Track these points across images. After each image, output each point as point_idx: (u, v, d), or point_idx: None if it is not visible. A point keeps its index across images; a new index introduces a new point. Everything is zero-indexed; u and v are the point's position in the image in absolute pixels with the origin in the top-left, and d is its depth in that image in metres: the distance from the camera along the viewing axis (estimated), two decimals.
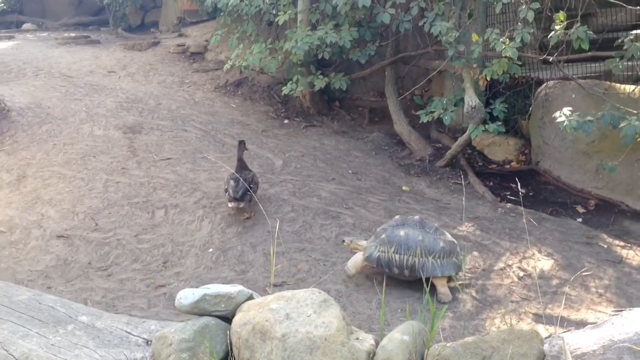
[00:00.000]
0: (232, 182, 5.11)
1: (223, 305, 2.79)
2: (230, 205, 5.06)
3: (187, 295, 2.77)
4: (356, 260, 4.37)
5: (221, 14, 8.38)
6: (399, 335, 2.57)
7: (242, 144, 5.48)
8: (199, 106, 7.75)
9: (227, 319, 2.81)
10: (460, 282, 4.36)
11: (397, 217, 4.55)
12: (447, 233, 4.42)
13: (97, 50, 10.02)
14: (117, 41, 11.09)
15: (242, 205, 5.04)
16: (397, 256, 4.20)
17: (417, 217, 4.42)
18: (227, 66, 7.72)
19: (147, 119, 6.97)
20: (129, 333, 2.93)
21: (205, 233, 4.96)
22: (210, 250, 4.76)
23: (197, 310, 2.77)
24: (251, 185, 5.09)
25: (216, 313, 2.80)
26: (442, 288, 4.20)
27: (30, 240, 4.83)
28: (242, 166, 5.38)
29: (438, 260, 4.17)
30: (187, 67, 9.27)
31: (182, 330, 2.69)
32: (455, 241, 4.35)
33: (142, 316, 3.74)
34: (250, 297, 2.88)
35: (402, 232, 4.24)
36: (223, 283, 3.56)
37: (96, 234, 4.91)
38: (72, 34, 11.67)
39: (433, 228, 4.30)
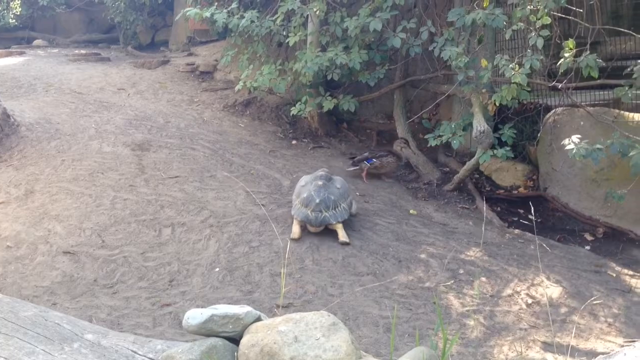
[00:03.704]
0: None
1: (231, 327, 2.76)
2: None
3: (195, 316, 2.75)
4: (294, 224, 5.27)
5: (231, 35, 8.46)
6: None
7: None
8: (207, 125, 7.78)
9: (235, 340, 2.79)
10: (468, 308, 4.33)
11: (306, 176, 5.61)
12: (340, 181, 5.45)
13: (107, 68, 10.10)
14: (127, 59, 11.18)
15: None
16: (310, 213, 5.16)
17: (321, 172, 5.53)
18: (238, 87, 7.76)
19: (156, 136, 6.99)
20: (135, 352, 2.90)
21: (212, 252, 4.94)
22: (217, 269, 4.74)
23: (205, 330, 2.74)
24: None
25: (224, 334, 2.77)
26: (340, 232, 5.16)
27: (37, 255, 4.82)
28: None
29: (336, 210, 5.17)
30: (196, 86, 9.33)
31: (189, 350, 2.66)
32: (346, 186, 5.44)
33: (147, 335, 3.71)
34: (258, 319, 2.85)
35: (309, 190, 5.29)
36: (229, 303, 3.54)
37: (102, 251, 4.90)
38: (83, 51, 11.78)
39: (332, 180, 5.40)
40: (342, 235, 5.17)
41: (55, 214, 5.32)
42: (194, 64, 10.07)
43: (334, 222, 5.16)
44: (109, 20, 13.00)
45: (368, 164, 6.78)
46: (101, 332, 3.11)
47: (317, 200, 5.17)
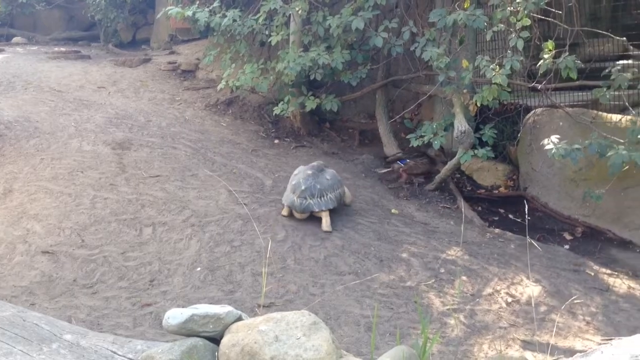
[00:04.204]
0: None
1: (211, 326, 2.75)
2: None
3: (175, 315, 2.73)
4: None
5: (214, 34, 8.42)
6: None
7: None
8: (189, 124, 7.74)
9: (216, 340, 2.78)
10: (449, 307, 4.36)
11: (302, 166, 5.83)
12: (331, 173, 5.65)
13: (88, 66, 10.00)
14: (107, 57, 11.08)
15: None
16: (296, 199, 5.41)
17: (315, 163, 5.78)
18: (220, 86, 7.73)
19: (137, 135, 6.94)
20: (115, 353, 2.88)
21: (194, 252, 4.92)
22: (198, 269, 4.72)
23: (185, 330, 2.73)
24: None
25: (204, 334, 2.76)
26: (324, 220, 5.37)
27: (15, 255, 4.76)
28: None
29: (321, 199, 5.37)
30: (178, 85, 9.28)
31: (169, 350, 2.65)
32: (337, 178, 5.62)
33: (127, 335, 3.69)
34: (239, 318, 2.84)
35: (298, 178, 5.54)
36: (211, 303, 3.53)
37: (82, 251, 4.85)
38: (63, 49, 11.64)
39: (323, 171, 5.61)
40: (325, 223, 5.37)
41: (34, 213, 5.26)
42: (175, 63, 10.01)
43: (317, 210, 5.38)
44: (89, 18, 12.86)
45: (402, 165, 6.79)
46: (80, 332, 3.08)
47: (303, 187, 5.41)
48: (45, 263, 4.68)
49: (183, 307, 2.85)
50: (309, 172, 5.59)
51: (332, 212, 5.68)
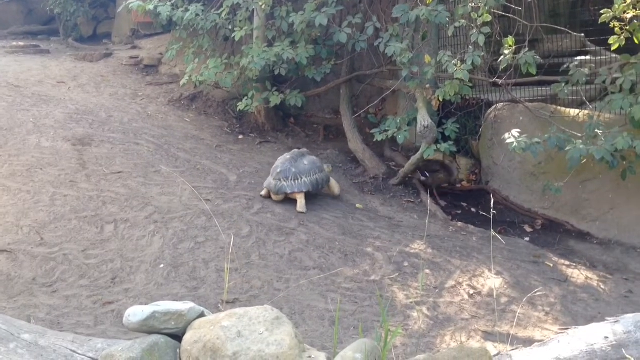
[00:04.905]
0: None
1: (173, 323, 2.73)
2: None
3: (135, 313, 2.70)
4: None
5: (176, 28, 8.32)
6: (351, 354, 2.57)
7: None
8: (152, 119, 7.64)
9: (178, 337, 2.76)
10: (412, 300, 4.40)
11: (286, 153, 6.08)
12: (311, 159, 5.92)
13: (47, 60, 9.77)
14: (67, 51, 10.84)
15: None
16: (272, 180, 5.76)
17: (297, 150, 6.09)
18: (183, 81, 7.64)
19: (98, 131, 6.82)
20: (74, 352, 2.84)
21: (157, 249, 4.86)
22: (162, 266, 4.66)
23: (147, 328, 2.70)
24: None
25: (166, 331, 2.73)
26: (299, 202, 5.68)
27: None
28: None
29: (295, 182, 5.68)
30: (140, 80, 9.14)
31: (129, 349, 2.62)
32: (316, 165, 5.88)
33: (89, 334, 3.63)
34: (202, 315, 2.83)
35: (278, 162, 5.88)
36: (174, 300, 3.50)
37: (41, 249, 4.75)
38: (21, 43, 11.34)
39: (303, 157, 5.92)
40: (300, 205, 5.69)
41: None
42: (138, 57, 9.85)
43: (289, 192, 5.69)
44: (48, 12, 12.55)
45: (423, 179, 6.83)
46: (39, 331, 3.02)
47: (279, 170, 5.77)
48: (3, 262, 4.57)
49: (146, 304, 2.82)
50: (288, 157, 5.95)
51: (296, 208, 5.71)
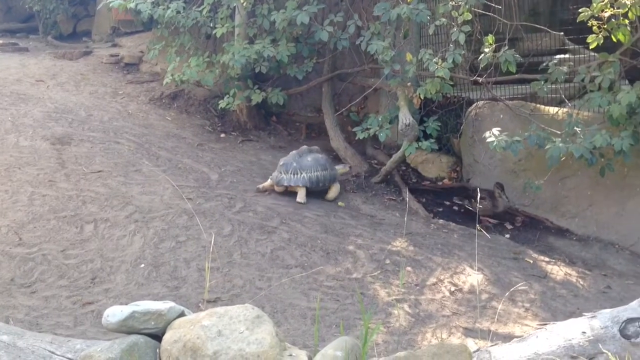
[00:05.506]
0: None
1: (153, 323, 2.72)
2: None
3: (114, 313, 2.68)
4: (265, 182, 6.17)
5: (157, 26, 8.26)
6: (331, 352, 2.57)
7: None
8: (132, 118, 7.58)
9: (158, 336, 2.74)
10: (394, 298, 4.42)
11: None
12: (315, 157, 6.12)
13: (25, 58, 9.65)
14: (46, 49, 10.72)
15: None
16: (275, 172, 6.09)
17: (305, 147, 6.29)
18: (166, 80, 7.57)
19: (77, 130, 6.75)
20: (53, 353, 2.81)
21: (137, 248, 4.83)
22: (142, 265, 4.63)
23: (126, 328, 2.69)
24: None
25: (146, 331, 2.72)
26: (299, 194, 5.95)
27: None
28: None
29: (294, 176, 5.96)
30: (120, 78, 9.06)
31: (108, 349, 2.60)
32: (319, 163, 6.08)
33: (68, 335, 3.59)
34: (182, 314, 2.82)
35: (284, 157, 6.20)
36: (155, 299, 3.47)
37: (20, 249, 4.69)
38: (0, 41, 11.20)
39: (309, 154, 6.15)
40: (299, 196, 5.97)
41: None
42: (118, 56, 9.76)
43: (286, 184, 6.00)
44: (27, 9, 12.39)
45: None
46: (17, 333, 2.99)
47: (281, 163, 6.11)
48: None
49: (126, 304, 2.80)
50: (294, 152, 6.24)
51: (283, 205, 5.71)
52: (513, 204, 6.33)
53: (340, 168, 6.49)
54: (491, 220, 6.19)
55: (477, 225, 4.72)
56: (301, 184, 5.99)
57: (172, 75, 7.51)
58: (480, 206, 5.95)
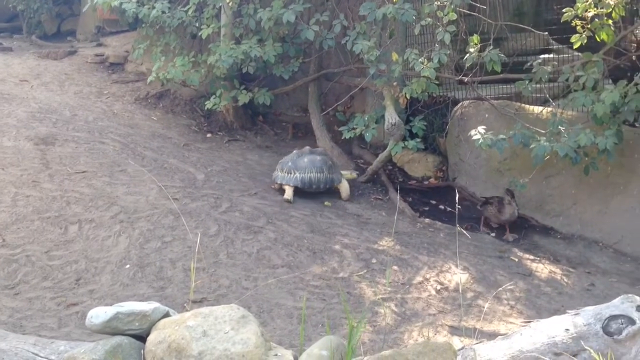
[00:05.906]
0: None
1: (137, 324, 2.70)
2: None
3: (98, 314, 2.67)
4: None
5: (142, 25, 8.21)
6: (317, 351, 2.58)
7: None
8: (117, 118, 7.53)
9: (142, 337, 2.73)
10: (380, 297, 4.43)
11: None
12: (311, 158, 6.19)
13: (9, 58, 9.55)
14: (30, 49, 10.61)
15: None
16: (275, 172, 6.25)
17: (307, 147, 6.44)
18: (150, 79, 7.53)
19: (62, 130, 6.69)
20: (36, 354, 2.79)
21: (122, 249, 4.80)
22: (127, 266, 4.61)
23: (110, 329, 2.67)
24: None
25: (130, 332, 2.71)
26: (287, 192, 6.05)
27: None
28: None
29: (287, 175, 6.09)
30: (105, 78, 9.00)
31: (92, 350, 2.59)
32: (315, 165, 6.15)
33: (52, 336, 3.57)
34: (167, 315, 2.81)
35: (281, 160, 6.35)
36: (140, 300, 3.45)
37: (3, 250, 4.64)
38: None
39: (308, 155, 6.24)
40: (287, 194, 6.03)
41: None
42: (103, 55, 9.69)
43: (279, 182, 6.15)
44: (11, 9, 12.26)
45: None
46: (0, 335, 2.97)
47: (280, 161, 6.32)
48: None
49: (111, 305, 2.78)
50: (295, 152, 6.38)
51: (269, 205, 5.70)
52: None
53: (346, 173, 6.48)
54: (493, 227, 6.12)
55: (457, 224, 4.74)
56: (292, 184, 6.07)
57: (156, 74, 7.47)
58: (488, 209, 6.02)
